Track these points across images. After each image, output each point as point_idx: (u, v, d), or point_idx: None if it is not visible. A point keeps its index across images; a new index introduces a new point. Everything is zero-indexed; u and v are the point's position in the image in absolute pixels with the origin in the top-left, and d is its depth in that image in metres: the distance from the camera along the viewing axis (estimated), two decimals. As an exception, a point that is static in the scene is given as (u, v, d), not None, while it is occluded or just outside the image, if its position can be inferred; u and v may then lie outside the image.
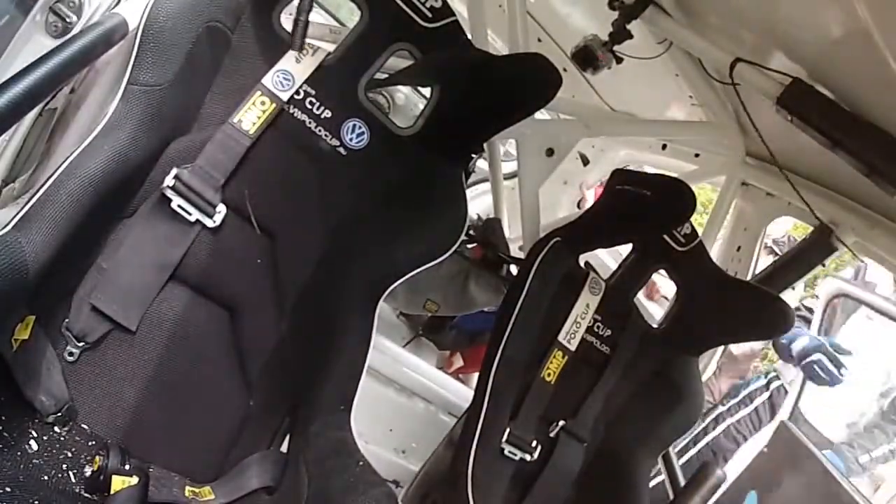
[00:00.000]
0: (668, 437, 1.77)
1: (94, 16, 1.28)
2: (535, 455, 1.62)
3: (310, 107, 1.37)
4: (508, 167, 2.52)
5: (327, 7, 2.97)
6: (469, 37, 1.53)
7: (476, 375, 1.66)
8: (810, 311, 3.55)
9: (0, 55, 1.19)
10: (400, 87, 2.82)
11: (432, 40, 1.40)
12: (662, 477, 1.95)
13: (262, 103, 1.31)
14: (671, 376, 1.76)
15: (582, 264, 1.75)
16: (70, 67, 1.10)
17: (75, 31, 1.25)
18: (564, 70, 1.97)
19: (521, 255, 1.97)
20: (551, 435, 1.67)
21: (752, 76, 1.53)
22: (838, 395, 3.36)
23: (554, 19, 2.38)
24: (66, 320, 1.21)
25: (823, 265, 1.92)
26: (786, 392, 3.54)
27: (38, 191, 1.06)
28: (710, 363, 2.06)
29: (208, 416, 1.34)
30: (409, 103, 2.87)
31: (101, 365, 1.25)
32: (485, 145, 2.14)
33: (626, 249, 1.87)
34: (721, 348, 2.10)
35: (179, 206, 1.26)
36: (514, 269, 2.08)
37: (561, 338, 1.64)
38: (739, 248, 2.11)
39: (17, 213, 1.03)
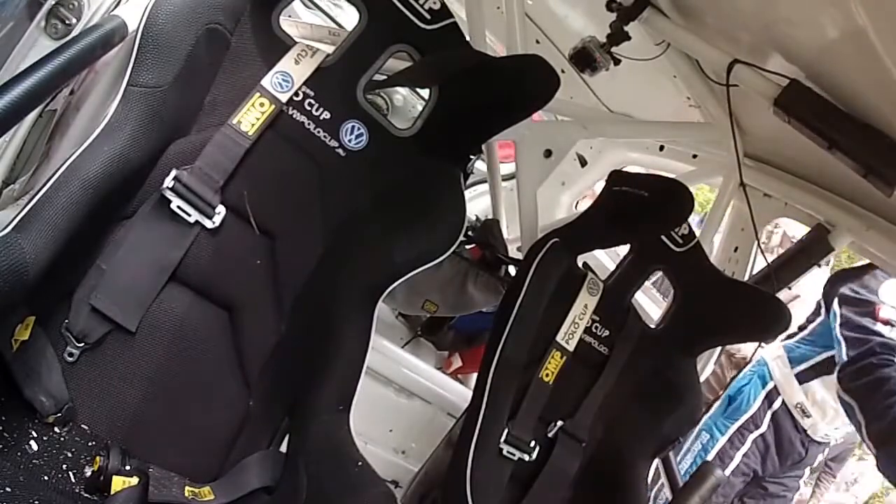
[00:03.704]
0: (666, 437, 1.77)
1: (94, 18, 1.28)
2: (534, 455, 1.62)
3: (309, 108, 1.38)
4: (506, 168, 2.52)
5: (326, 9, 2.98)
6: (467, 38, 1.54)
7: (475, 376, 1.66)
8: None
9: (4, 60, 1.19)
10: (398, 89, 2.82)
11: (431, 42, 1.40)
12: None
13: (262, 105, 1.32)
14: (669, 376, 1.77)
15: (580, 265, 1.75)
16: (70, 69, 1.11)
17: (75, 32, 1.25)
18: (562, 71, 1.98)
19: (520, 256, 1.97)
20: (549, 435, 1.67)
21: (749, 77, 1.54)
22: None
23: (552, 21, 2.39)
24: (66, 321, 1.21)
25: (819, 265, 1.93)
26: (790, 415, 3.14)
27: (38, 192, 1.06)
28: (707, 363, 2.06)
29: (208, 417, 1.34)
30: (408, 105, 2.88)
31: (101, 366, 1.25)
32: (483, 146, 2.15)
33: (624, 250, 1.88)
34: (719, 349, 2.10)
35: (179, 207, 1.26)
36: (512, 270, 2.08)
37: (559, 338, 1.64)
38: (737, 248, 2.12)
39: (18, 215, 1.03)
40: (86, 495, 1.15)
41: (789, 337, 3.21)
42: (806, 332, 3.15)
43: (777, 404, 3.18)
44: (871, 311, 2.58)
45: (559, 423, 1.68)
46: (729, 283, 1.86)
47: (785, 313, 1.68)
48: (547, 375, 1.63)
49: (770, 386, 3.20)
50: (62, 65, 1.08)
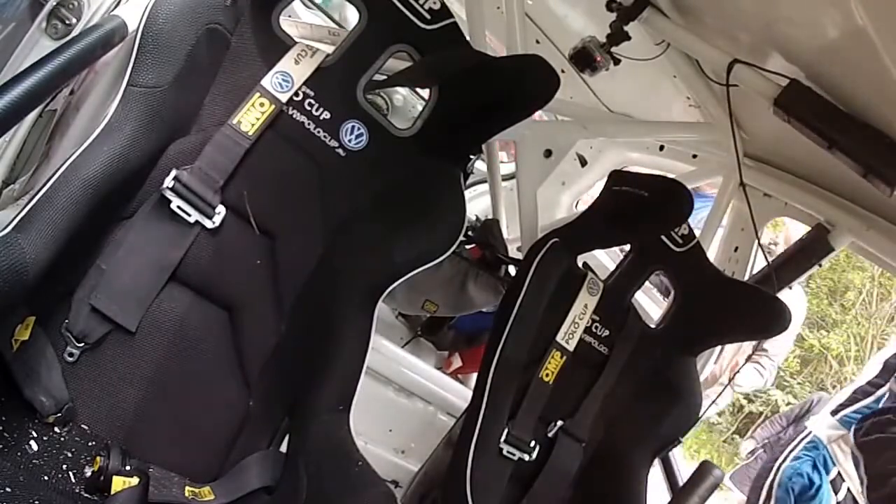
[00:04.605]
0: (666, 436, 1.77)
1: (94, 18, 1.28)
2: (534, 455, 1.62)
3: (309, 108, 1.38)
4: (507, 168, 2.52)
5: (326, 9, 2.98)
6: (467, 38, 1.54)
7: (475, 376, 1.66)
8: None
9: (6, 60, 1.19)
10: (398, 89, 2.82)
11: (431, 42, 1.41)
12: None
13: (262, 105, 1.32)
14: (669, 376, 1.77)
15: (580, 265, 1.75)
16: (70, 69, 1.11)
17: (75, 33, 1.25)
18: (562, 71, 1.99)
19: (520, 256, 1.97)
20: (549, 435, 1.67)
21: (749, 77, 1.54)
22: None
23: (552, 21, 2.39)
24: (66, 321, 1.22)
25: (820, 265, 1.93)
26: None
27: (38, 192, 1.06)
28: (707, 363, 2.06)
29: (208, 417, 1.34)
30: (408, 105, 2.88)
31: (101, 366, 1.25)
32: (483, 146, 2.14)
33: (624, 250, 1.88)
34: (719, 348, 2.10)
35: (179, 207, 1.26)
36: (512, 270, 2.08)
37: (559, 338, 1.64)
38: (737, 248, 2.12)
39: (18, 215, 1.03)
40: (86, 495, 1.15)
41: (843, 407, 2.79)
42: (871, 399, 2.70)
43: (842, 493, 2.78)
44: None
45: (559, 422, 1.68)
46: (729, 282, 1.86)
47: (785, 312, 1.68)
48: (547, 375, 1.63)
49: (833, 473, 2.80)
50: (62, 65, 1.08)
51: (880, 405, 2.49)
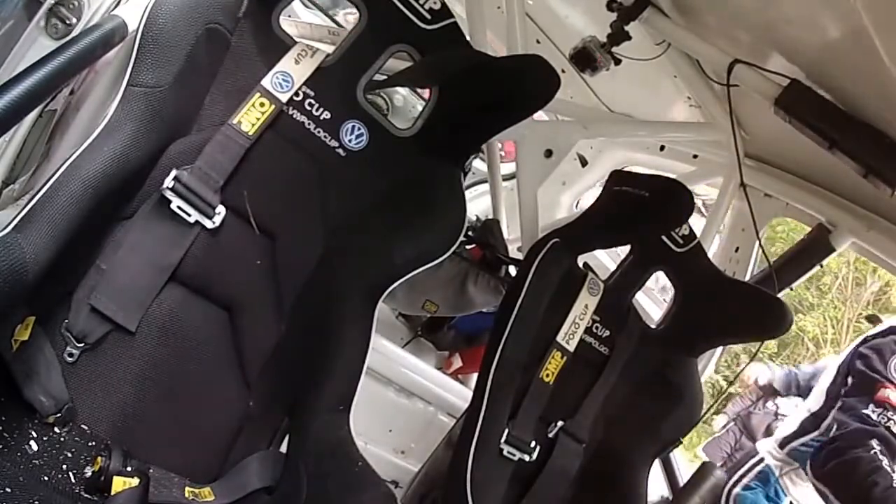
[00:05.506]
0: (666, 437, 1.77)
1: (94, 18, 1.28)
2: (534, 455, 1.62)
3: (309, 108, 1.38)
4: (507, 168, 2.52)
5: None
6: (468, 38, 1.54)
7: (475, 376, 1.66)
8: None
9: (3, 59, 1.19)
10: (398, 89, 2.82)
11: (431, 42, 1.40)
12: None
13: (262, 104, 1.32)
14: (670, 377, 1.77)
15: (580, 265, 1.75)
16: (70, 69, 1.11)
17: (75, 32, 1.25)
18: (563, 71, 1.99)
19: (520, 256, 1.97)
20: (550, 435, 1.67)
21: (750, 77, 1.54)
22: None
23: (552, 21, 2.39)
24: (66, 321, 1.21)
25: (821, 265, 1.93)
26: None
27: (38, 192, 1.06)
28: (708, 364, 2.06)
29: (208, 417, 1.34)
30: (408, 105, 2.88)
31: (101, 366, 1.25)
32: (483, 146, 2.15)
33: (624, 250, 1.87)
34: (720, 349, 2.10)
35: (179, 207, 1.26)
36: (512, 270, 2.08)
37: (559, 338, 1.64)
38: (738, 248, 2.12)
39: (18, 215, 1.03)
40: (86, 496, 1.14)
41: (791, 438, 2.85)
42: (818, 432, 2.76)
43: None
44: (871, 390, 2.49)
45: (559, 423, 1.68)
46: (730, 283, 1.86)
47: (786, 313, 1.68)
48: (547, 376, 1.63)
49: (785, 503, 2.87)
50: (62, 65, 1.08)
51: (831, 435, 2.58)
